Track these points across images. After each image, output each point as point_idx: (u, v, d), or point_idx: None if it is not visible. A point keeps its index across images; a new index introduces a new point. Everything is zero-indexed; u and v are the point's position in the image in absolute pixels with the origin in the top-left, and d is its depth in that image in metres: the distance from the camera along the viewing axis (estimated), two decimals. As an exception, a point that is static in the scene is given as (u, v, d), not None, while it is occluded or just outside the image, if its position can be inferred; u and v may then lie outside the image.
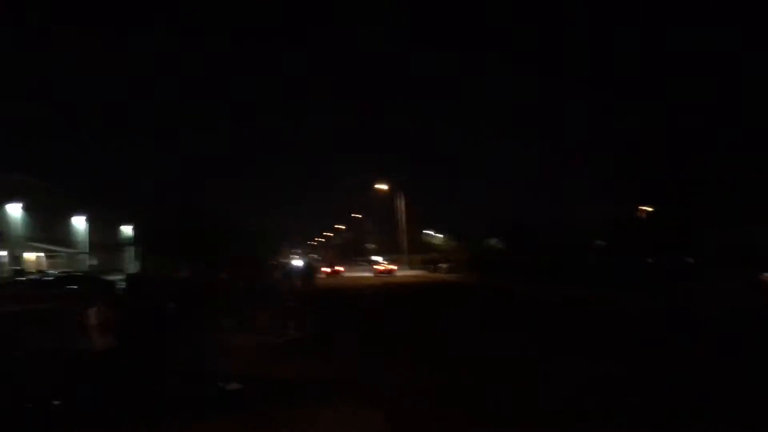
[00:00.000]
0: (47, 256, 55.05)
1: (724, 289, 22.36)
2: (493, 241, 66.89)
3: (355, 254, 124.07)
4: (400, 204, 71.81)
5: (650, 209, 44.01)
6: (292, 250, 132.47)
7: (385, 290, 35.59)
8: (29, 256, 52.34)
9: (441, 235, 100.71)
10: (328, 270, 66.11)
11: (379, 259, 79.87)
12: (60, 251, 55.59)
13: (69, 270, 46.64)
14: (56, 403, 8.02)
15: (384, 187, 74.13)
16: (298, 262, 58.01)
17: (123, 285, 23.69)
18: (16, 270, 42.27)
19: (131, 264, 55.44)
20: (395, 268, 64.57)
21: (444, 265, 62.61)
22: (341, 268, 70.17)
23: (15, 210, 50.17)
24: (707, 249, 32.07)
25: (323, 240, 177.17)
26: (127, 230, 61.60)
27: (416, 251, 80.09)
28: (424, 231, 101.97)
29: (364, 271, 70.84)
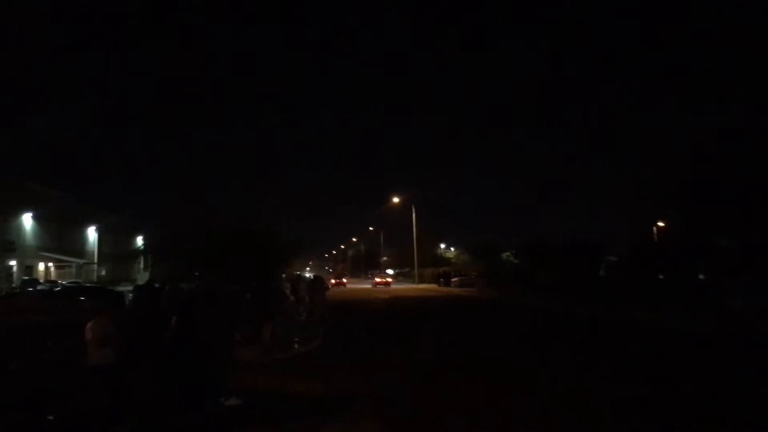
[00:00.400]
0: (57, 266, 55.14)
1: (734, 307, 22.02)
2: (506, 255, 66.69)
3: (368, 267, 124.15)
4: (412, 218, 72.15)
5: (663, 224, 43.73)
6: (305, 262, 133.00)
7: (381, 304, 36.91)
8: (39, 265, 52.44)
9: (454, 249, 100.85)
10: (333, 282, 73.54)
11: (390, 272, 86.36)
12: (70, 261, 55.69)
13: (78, 280, 46.66)
14: (50, 417, 7.85)
15: (397, 200, 75.23)
16: (308, 275, 58.14)
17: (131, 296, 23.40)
18: (25, 280, 42.11)
19: (141, 274, 55.47)
20: (391, 280, 73.73)
21: (456, 279, 62.32)
22: (345, 281, 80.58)
23: (26, 219, 50.30)
24: (719, 265, 31.60)
25: (336, 253, 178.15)
26: (138, 240, 61.78)
27: (430, 265, 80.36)
28: (438, 245, 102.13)
29: (365, 283, 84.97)
